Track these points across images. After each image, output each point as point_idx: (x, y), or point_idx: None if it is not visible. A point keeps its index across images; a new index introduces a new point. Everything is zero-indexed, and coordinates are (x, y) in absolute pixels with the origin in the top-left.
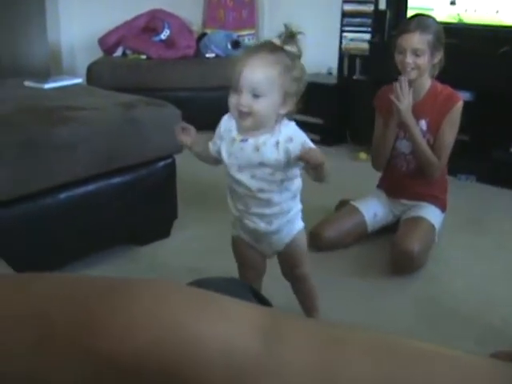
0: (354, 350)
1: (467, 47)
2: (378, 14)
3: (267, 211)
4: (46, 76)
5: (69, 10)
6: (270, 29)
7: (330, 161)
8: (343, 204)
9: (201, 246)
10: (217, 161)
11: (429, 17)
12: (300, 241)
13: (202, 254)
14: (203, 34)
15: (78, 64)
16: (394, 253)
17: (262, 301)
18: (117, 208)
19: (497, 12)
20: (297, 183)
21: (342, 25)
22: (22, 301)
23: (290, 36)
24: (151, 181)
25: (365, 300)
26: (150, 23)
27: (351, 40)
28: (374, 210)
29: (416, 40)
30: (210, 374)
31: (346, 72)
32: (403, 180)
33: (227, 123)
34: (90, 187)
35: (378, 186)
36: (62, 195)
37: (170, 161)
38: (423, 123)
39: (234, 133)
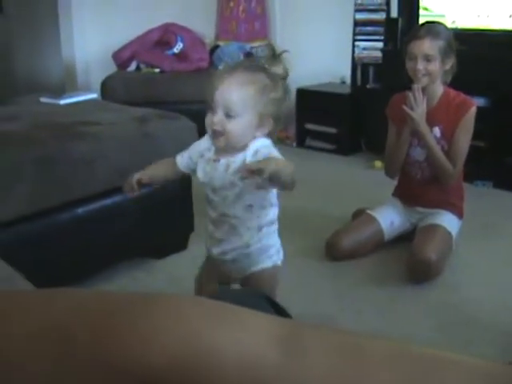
0: (374, 359)
1: (481, 53)
2: (389, 22)
3: (225, 239)
4: (61, 92)
5: (82, 26)
6: (282, 40)
7: (345, 170)
8: (359, 213)
9: None
10: (179, 174)
11: (439, 23)
12: (263, 281)
13: None
14: (216, 47)
15: (92, 79)
16: (411, 261)
17: (281, 311)
18: (134, 222)
19: (510, 16)
20: (271, 214)
21: (355, 34)
22: (45, 315)
23: (273, 57)
24: (167, 194)
25: (383, 309)
26: (163, 37)
27: (364, 49)
28: (390, 218)
29: (426, 46)
30: None
31: (359, 81)
32: (418, 188)
33: (208, 142)
34: (107, 201)
35: (393, 194)
36: (80, 210)
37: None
38: (437, 130)
39: (211, 152)
